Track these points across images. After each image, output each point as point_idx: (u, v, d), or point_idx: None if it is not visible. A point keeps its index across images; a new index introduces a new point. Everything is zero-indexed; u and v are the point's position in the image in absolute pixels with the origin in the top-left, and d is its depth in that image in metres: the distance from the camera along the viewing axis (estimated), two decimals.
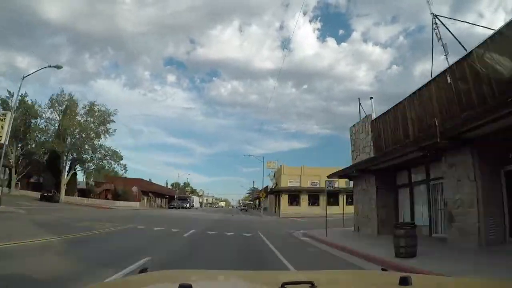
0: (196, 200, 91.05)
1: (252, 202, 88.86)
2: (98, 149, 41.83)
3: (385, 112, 14.33)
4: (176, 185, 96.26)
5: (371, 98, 16.72)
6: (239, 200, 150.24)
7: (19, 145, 39.79)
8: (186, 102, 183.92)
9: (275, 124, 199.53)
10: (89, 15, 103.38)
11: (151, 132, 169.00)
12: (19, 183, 40.08)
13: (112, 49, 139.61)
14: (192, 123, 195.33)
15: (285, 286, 1.24)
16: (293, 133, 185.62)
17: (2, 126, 20.34)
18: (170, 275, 1.90)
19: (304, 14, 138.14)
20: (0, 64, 67.18)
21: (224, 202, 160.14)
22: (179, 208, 57.98)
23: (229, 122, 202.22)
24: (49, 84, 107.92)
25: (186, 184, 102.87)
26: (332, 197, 34.92)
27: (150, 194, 65.16)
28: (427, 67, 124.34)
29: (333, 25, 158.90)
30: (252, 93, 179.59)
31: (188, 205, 66.37)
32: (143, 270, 1.92)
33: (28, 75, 25.14)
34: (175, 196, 72.81)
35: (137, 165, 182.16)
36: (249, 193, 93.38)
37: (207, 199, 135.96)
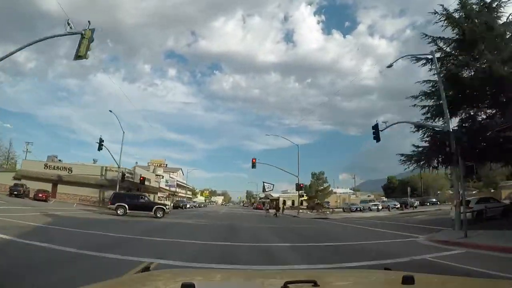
0: None
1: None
2: None
3: None
4: None
5: None
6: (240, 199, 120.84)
7: None
8: (186, 96, 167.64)
9: (276, 119, 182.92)
10: (88, 6, 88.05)
11: (151, 127, 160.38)
12: None
13: (112, 42, 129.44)
14: (192, 119, 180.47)
15: (288, 285, 1.23)
16: (294, 128, 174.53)
17: None
18: (172, 274, 1.95)
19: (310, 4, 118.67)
20: None
21: (222, 197, 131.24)
22: None
23: (229, 117, 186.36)
24: (47, 79, 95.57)
25: None
26: None
27: None
28: None
29: (338, 17, 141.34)
30: (254, 88, 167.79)
31: None
32: (145, 269, 1.95)
33: None
34: None
35: (140, 161, 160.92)
36: None
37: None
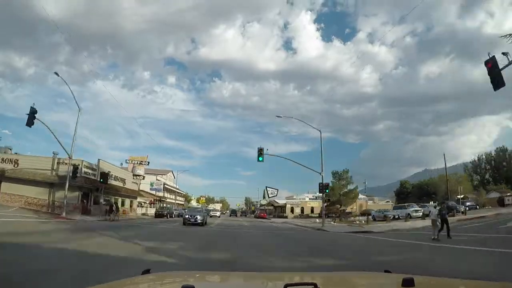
0: None
1: None
2: None
3: None
4: None
5: None
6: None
7: None
8: (185, 103, 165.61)
9: (276, 126, 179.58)
10: (88, 12, 78.48)
11: (149, 134, 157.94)
12: None
13: (111, 49, 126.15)
14: (191, 125, 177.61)
15: (288, 287, 1.23)
16: (293, 136, 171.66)
17: None
18: (172, 276, 1.95)
19: (310, 11, 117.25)
20: None
21: (221, 204, 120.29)
22: None
23: (228, 124, 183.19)
24: (47, 84, 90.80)
25: None
26: None
27: None
28: (432, 69, 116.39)
29: (338, 24, 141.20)
30: (253, 95, 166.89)
31: None
32: (146, 271, 1.88)
33: None
34: None
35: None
36: None
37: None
